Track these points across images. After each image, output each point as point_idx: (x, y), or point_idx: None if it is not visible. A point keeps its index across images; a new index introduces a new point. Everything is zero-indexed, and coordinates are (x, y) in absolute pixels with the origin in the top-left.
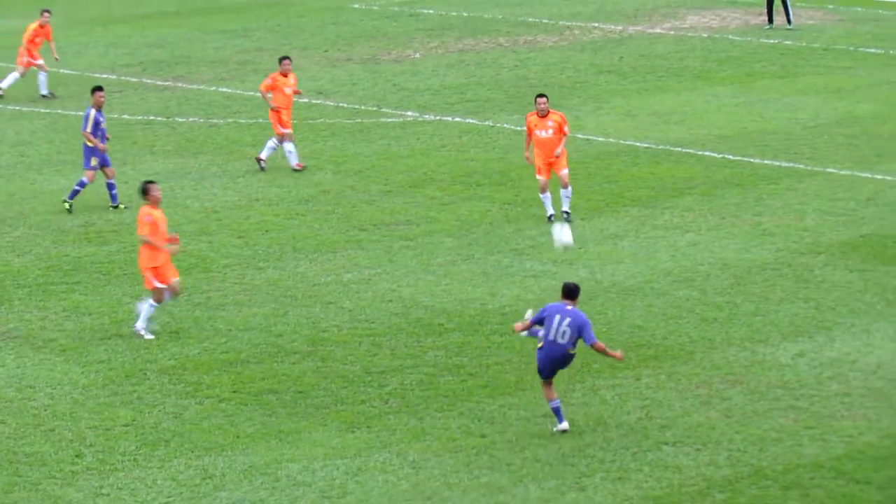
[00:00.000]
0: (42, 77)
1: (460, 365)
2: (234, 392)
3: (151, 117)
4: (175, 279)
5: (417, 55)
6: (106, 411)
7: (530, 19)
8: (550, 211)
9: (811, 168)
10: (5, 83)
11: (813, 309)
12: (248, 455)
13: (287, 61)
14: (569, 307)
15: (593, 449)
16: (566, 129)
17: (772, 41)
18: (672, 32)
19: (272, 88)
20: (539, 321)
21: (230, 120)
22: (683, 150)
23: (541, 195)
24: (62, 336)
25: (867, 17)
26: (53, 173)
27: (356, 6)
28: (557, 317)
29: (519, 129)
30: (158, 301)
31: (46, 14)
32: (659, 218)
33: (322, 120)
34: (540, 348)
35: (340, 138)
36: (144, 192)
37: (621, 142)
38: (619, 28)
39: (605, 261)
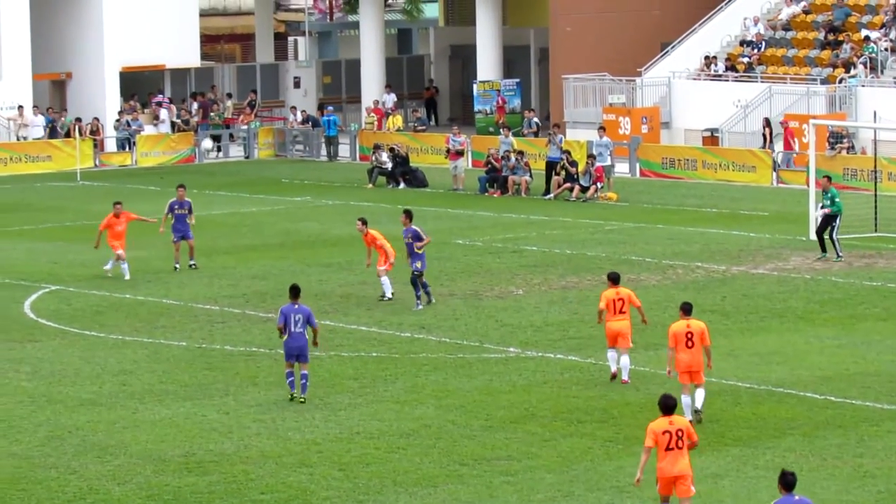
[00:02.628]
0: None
1: None
2: None
3: (254, 349)
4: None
5: (520, 292)
6: None
7: (633, 258)
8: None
9: None
10: (388, 291)
11: None
12: None
13: None
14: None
15: None
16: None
17: (875, 284)
18: (775, 273)
19: None
20: None
21: (332, 353)
22: (785, 391)
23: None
24: None
25: None
26: (155, 403)
27: (459, 242)
28: None
29: None
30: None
31: (361, 224)
32: (760, 458)
33: (424, 354)
34: None
35: (442, 373)
36: None
37: (723, 381)
38: (723, 268)
39: (706, 500)
